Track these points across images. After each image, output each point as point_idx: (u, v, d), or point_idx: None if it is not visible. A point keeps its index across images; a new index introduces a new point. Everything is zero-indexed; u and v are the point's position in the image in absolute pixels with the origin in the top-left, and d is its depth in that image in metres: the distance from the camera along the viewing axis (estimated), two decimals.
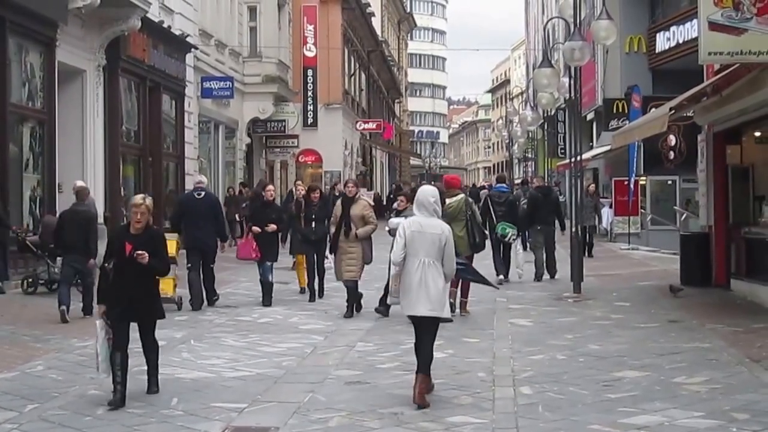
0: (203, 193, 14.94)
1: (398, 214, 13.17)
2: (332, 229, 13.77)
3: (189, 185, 25.18)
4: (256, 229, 14.71)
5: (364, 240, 13.50)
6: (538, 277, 18.42)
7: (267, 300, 14.66)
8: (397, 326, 12.49)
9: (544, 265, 18.55)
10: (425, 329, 8.35)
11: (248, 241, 14.90)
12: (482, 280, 11.44)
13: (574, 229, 16.94)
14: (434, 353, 8.46)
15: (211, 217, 14.65)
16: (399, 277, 8.39)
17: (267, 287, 14.77)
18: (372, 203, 14.83)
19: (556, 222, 19.05)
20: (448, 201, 13.02)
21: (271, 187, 16.04)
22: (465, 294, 13.51)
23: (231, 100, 29.23)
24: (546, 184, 23.68)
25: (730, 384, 8.72)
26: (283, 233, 15.91)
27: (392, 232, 12.41)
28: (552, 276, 18.56)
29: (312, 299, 15.13)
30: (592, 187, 25.94)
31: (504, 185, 19.20)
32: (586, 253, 22.83)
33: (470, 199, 14.00)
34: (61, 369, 9.67)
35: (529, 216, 18.54)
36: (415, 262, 8.19)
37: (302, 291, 16.04)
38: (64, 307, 12.67)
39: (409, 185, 53.72)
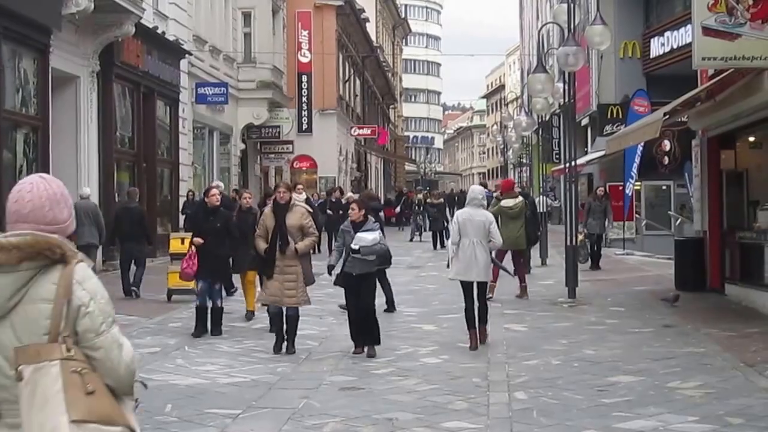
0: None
1: (357, 227, 10.81)
2: (260, 245, 11.02)
3: (183, 191, 25.22)
4: (197, 240, 12.11)
5: (303, 257, 11.01)
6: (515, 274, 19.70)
7: (216, 330, 12.17)
8: (392, 332, 12.48)
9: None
10: (479, 291, 11.31)
11: (187, 258, 12.22)
12: (503, 267, 13.72)
13: (569, 235, 16.93)
14: (429, 359, 9.91)
15: None
16: (455, 257, 11.24)
17: (216, 315, 12.26)
18: (310, 210, 11.82)
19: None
20: (512, 202, 16.12)
21: (215, 190, 12.88)
22: (494, 279, 14.69)
23: (225, 105, 29.24)
24: (522, 189, 24.70)
25: (724, 388, 8.72)
26: (233, 248, 12.63)
27: (362, 251, 10.58)
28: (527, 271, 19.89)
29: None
30: (601, 190, 23.30)
31: (484, 190, 19.75)
32: (592, 266, 21.67)
33: (527, 201, 16.42)
34: None
35: None
36: (466, 242, 11.13)
37: (250, 317, 13.63)
38: (134, 288, 15.56)
39: (401, 189, 54.07)
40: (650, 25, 31.01)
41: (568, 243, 16.81)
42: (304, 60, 39.14)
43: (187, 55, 25.75)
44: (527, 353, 10.85)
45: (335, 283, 11.13)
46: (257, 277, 12.56)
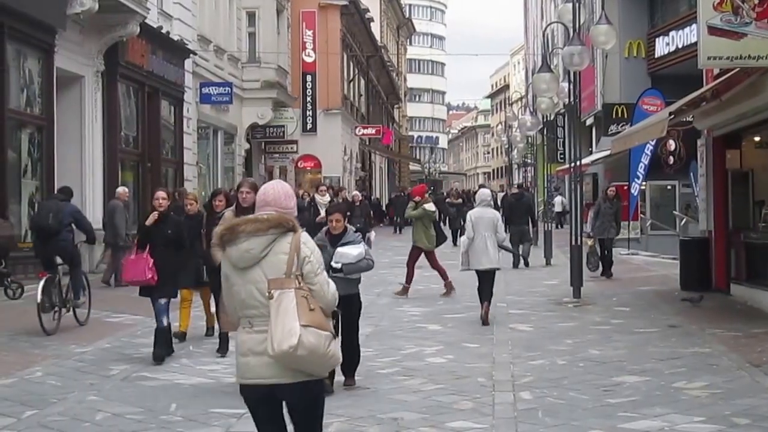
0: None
1: (335, 241, 8.77)
2: (218, 256, 8.75)
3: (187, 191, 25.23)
4: (153, 216, 10.63)
5: None
6: (515, 266, 22.03)
7: (159, 353, 10.34)
8: (397, 331, 12.47)
9: (520, 256, 22.43)
10: (488, 277, 13.33)
11: (139, 257, 10.49)
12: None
13: (574, 236, 16.91)
14: (434, 358, 10.11)
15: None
16: (468, 250, 13.26)
17: (160, 335, 10.44)
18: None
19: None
20: (433, 207, 17.78)
21: (162, 193, 10.87)
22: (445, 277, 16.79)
23: (230, 105, 29.23)
24: (520, 191, 26.35)
25: (730, 389, 8.69)
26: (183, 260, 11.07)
27: (345, 269, 8.64)
28: (526, 265, 22.42)
29: (223, 351, 10.64)
30: (612, 190, 21.04)
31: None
32: (603, 272, 19.95)
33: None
34: (59, 375, 9.64)
35: (505, 217, 22.00)
36: (478, 237, 13.20)
37: (181, 338, 11.68)
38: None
39: (405, 189, 54.10)
40: (655, 24, 30.99)
41: (573, 243, 16.80)
42: (308, 60, 39.14)
43: (191, 55, 25.74)
44: (532, 353, 10.83)
45: None
46: (200, 293, 11.80)
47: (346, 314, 8.37)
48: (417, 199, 17.61)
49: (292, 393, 4.78)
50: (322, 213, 11.96)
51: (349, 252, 8.68)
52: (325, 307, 4.73)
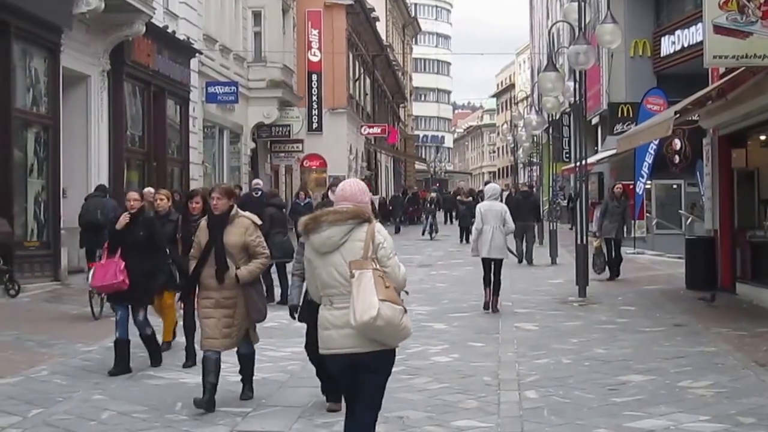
0: (260, 193, 18.79)
1: None
2: (192, 266, 8.41)
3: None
4: (123, 219, 9.78)
5: (249, 285, 8.20)
6: (519, 261, 22.88)
7: (155, 360, 10.05)
8: None
9: (523, 253, 23.21)
10: (495, 267, 14.24)
11: (109, 261, 9.66)
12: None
13: (580, 235, 16.89)
14: (439, 357, 10.10)
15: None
16: (477, 239, 14.24)
17: (150, 344, 10.02)
18: (258, 222, 8.49)
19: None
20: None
21: (134, 194, 9.98)
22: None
23: (235, 105, 29.24)
24: (527, 189, 26.98)
25: (735, 388, 8.69)
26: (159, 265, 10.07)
27: None
28: (529, 262, 22.98)
29: (190, 362, 9.96)
30: (619, 188, 20.42)
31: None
32: (611, 276, 19.18)
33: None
34: (65, 374, 9.66)
35: (512, 214, 22.10)
36: (487, 228, 14.12)
37: (166, 348, 10.83)
38: None
39: (411, 188, 54.22)
40: (661, 23, 30.93)
41: (578, 242, 16.78)
42: (314, 59, 39.13)
43: (197, 54, 25.76)
44: (538, 352, 10.83)
45: (299, 319, 8.18)
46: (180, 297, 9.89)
47: None
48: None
49: (371, 359, 5.32)
50: None
51: None
52: (397, 286, 5.37)
